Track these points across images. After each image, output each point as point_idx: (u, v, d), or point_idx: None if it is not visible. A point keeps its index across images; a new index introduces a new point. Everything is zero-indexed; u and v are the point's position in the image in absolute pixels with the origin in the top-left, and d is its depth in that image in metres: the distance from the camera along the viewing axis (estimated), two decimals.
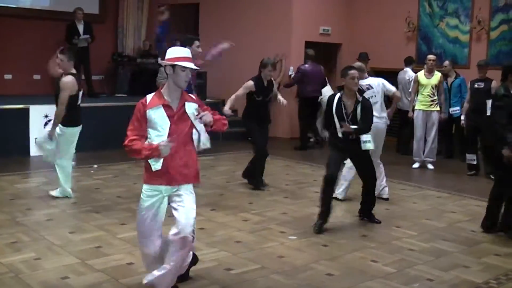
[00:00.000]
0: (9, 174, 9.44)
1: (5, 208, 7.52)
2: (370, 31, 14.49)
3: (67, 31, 13.85)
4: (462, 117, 10.90)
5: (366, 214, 7.42)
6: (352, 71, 6.98)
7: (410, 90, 11.70)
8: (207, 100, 12.81)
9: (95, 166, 10.31)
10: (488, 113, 7.42)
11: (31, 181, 9.37)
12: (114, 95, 14.73)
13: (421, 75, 11.14)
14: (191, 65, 4.69)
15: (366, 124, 6.95)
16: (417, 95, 11.12)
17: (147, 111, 4.66)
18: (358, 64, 8.31)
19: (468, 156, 10.56)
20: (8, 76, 14.32)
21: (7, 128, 10.69)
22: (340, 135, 6.99)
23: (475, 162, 10.50)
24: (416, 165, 11.24)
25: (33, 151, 10.92)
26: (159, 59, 5.32)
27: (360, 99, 7.01)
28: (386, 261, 5.95)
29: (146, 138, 4.70)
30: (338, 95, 7.06)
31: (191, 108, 4.74)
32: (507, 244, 6.65)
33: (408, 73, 12.43)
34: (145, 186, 4.79)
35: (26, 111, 11.03)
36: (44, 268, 5.49)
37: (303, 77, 12.91)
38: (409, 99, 11.66)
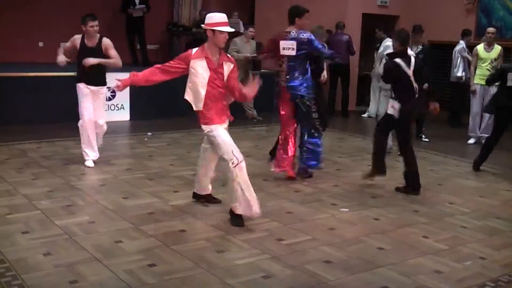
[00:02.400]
0: (63, 139, 9.65)
1: (60, 172, 7.70)
2: (428, 3, 14.21)
3: (122, 1, 13.96)
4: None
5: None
6: None
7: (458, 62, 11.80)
8: (262, 70, 12.76)
9: (149, 134, 10.44)
10: None
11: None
12: None
13: (480, 48, 10.91)
14: (228, 28, 5.74)
15: None
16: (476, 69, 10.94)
17: (191, 61, 5.80)
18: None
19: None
20: (63, 44, 14.42)
21: (59, 95, 10.82)
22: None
23: None
24: (471, 141, 11.06)
25: None
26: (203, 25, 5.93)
27: None
28: (438, 237, 5.89)
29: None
30: None
31: (228, 66, 5.89)
32: None
33: (459, 45, 12.27)
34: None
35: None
36: (97, 231, 5.62)
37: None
38: (459, 72, 11.65)
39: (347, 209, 6.64)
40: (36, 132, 10.00)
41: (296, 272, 4.90)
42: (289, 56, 7.46)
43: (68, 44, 8.02)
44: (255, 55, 12.03)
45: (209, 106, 5.88)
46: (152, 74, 6.00)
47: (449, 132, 11.94)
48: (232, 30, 5.95)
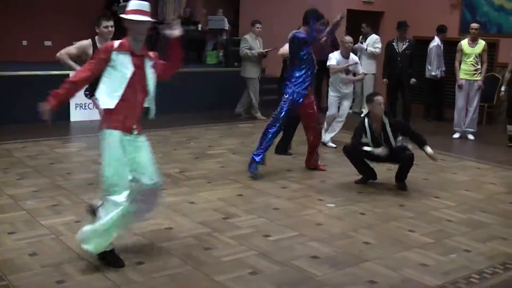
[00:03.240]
0: (49, 139, 9.61)
1: (46, 172, 7.67)
2: None
3: None
4: (503, 88, 10.72)
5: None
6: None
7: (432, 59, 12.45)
8: None
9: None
10: None
11: (71, 146, 9.54)
12: None
13: (464, 43, 10.97)
14: (139, 17, 4.66)
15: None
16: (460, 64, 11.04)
17: (113, 52, 4.68)
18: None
19: (509, 127, 10.44)
20: (48, 43, 14.45)
21: (44, 95, 10.70)
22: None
23: None
24: (456, 135, 11.14)
25: (74, 116, 11.13)
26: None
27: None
28: (424, 231, 5.94)
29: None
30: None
31: (148, 63, 4.82)
32: None
33: (434, 42, 12.63)
34: None
35: (67, 77, 11.13)
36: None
37: None
38: (433, 70, 11.99)
39: (333, 205, 6.68)
40: (21, 132, 9.95)
41: (284, 268, 4.93)
42: None
43: (73, 51, 7.16)
44: (269, 49, 12.02)
45: (122, 108, 4.75)
46: (77, 75, 4.86)
47: (434, 127, 12.02)
48: (144, 19, 4.72)
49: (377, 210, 6.56)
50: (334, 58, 9.53)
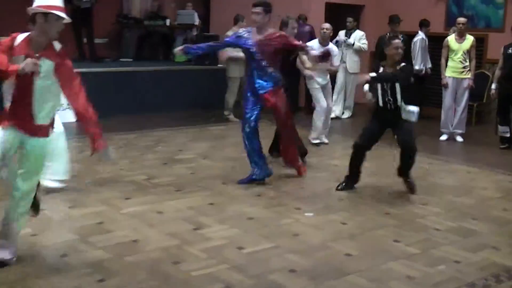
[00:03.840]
0: None
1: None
2: None
3: None
4: (493, 86, 10.76)
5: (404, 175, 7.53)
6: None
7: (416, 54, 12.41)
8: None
9: None
10: None
11: None
12: (119, 60, 14.67)
13: (451, 39, 11.00)
14: (65, 16, 4.68)
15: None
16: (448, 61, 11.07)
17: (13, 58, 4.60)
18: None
19: (501, 128, 10.49)
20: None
21: None
22: (381, 104, 7.22)
23: (508, 135, 10.41)
24: (444, 137, 11.16)
25: None
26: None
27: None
28: (410, 240, 5.91)
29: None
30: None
31: (46, 65, 4.67)
32: None
33: (418, 36, 12.66)
34: None
35: None
36: (41, 245, 5.49)
37: None
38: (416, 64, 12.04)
39: (312, 213, 6.62)
40: None
41: (259, 282, 4.87)
42: None
43: None
44: None
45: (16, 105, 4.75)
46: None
47: (421, 127, 12.00)
48: (69, 20, 4.77)
49: (359, 219, 6.52)
50: (310, 46, 9.51)
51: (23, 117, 4.75)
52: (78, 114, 4.86)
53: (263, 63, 7.47)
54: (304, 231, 6.08)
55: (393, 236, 6.00)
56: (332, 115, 13.06)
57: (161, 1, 15.99)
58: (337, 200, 7.18)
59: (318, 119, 10.05)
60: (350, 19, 13.21)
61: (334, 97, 12.90)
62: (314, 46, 9.51)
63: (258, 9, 7.40)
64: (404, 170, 7.40)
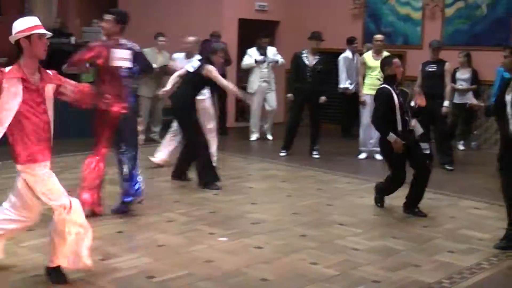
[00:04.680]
0: None
1: None
2: (312, 8, 14.58)
3: None
4: (412, 103, 11.00)
5: (411, 209, 7.72)
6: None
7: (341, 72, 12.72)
8: None
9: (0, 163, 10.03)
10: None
11: None
12: None
13: (368, 56, 11.25)
14: (47, 32, 5.00)
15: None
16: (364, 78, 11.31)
17: (4, 80, 4.84)
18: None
19: (421, 145, 10.71)
20: None
21: None
22: (400, 128, 7.60)
23: (428, 151, 10.65)
24: (362, 155, 11.35)
25: None
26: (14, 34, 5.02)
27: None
28: (328, 262, 5.96)
29: None
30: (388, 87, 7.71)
31: (49, 87, 5.10)
32: (462, 239, 6.77)
33: (344, 54, 12.95)
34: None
35: None
36: None
37: None
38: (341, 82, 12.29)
39: (226, 238, 6.62)
40: None
41: None
42: None
43: None
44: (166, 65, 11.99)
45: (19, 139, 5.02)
46: None
47: (341, 147, 12.20)
48: (50, 34, 5.13)
49: (275, 242, 6.54)
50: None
51: None
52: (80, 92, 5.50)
53: None
54: (218, 257, 6.06)
55: (310, 259, 6.04)
56: (254, 138, 13.18)
57: (65, 18, 15.79)
58: (251, 224, 7.19)
59: None
60: (263, 36, 13.23)
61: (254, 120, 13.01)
62: (178, 58, 9.76)
63: (109, 17, 7.30)
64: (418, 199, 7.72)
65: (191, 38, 10.37)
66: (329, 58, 13.03)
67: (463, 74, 12.00)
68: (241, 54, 14.05)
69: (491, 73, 11.81)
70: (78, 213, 5.14)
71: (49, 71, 5.21)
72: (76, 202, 5.20)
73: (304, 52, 11.55)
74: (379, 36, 11.34)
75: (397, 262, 6.04)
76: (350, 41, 13.00)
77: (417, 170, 7.66)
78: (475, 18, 12.62)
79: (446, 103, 10.51)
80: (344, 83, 12.79)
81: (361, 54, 12.23)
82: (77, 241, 5.16)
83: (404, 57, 13.32)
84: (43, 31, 4.95)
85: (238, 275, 5.60)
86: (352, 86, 12.80)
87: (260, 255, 6.15)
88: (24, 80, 4.89)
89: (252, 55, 12.76)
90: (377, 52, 11.18)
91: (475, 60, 12.17)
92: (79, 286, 5.29)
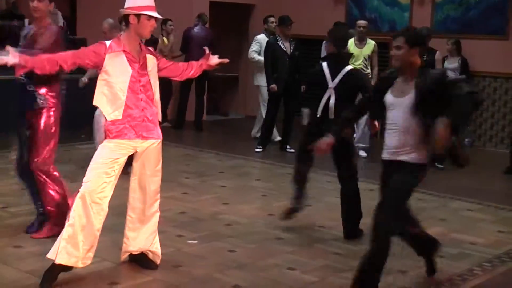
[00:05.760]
0: None
1: None
2: None
3: None
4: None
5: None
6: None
7: None
8: None
9: None
10: None
11: None
12: None
13: (350, 43, 11.30)
14: (157, 14, 5.42)
15: None
16: None
17: (107, 55, 5.34)
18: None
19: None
20: None
21: None
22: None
23: None
24: None
25: None
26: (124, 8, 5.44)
27: None
28: (306, 268, 6.02)
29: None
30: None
31: (151, 60, 5.58)
32: (452, 244, 6.84)
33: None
34: None
35: None
36: None
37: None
38: None
39: (196, 241, 6.65)
40: None
41: None
42: None
43: None
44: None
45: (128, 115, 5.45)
46: (60, 58, 5.37)
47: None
48: (161, 17, 5.63)
49: (250, 246, 6.60)
50: None
51: None
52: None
53: None
54: (187, 262, 6.10)
55: (287, 264, 6.09)
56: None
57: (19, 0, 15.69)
58: (223, 225, 7.23)
59: None
60: None
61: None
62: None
63: None
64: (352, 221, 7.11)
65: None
66: (310, 45, 13.13)
67: (451, 63, 11.99)
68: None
69: (483, 63, 11.97)
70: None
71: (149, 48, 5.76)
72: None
73: (278, 38, 11.59)
74: (362, 22, 11.43)
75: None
76: None
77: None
78: (468, 4, 12.71)
79: None
80: None
81: None
82: None
83: (390, 45, 13.36)
84: (153, 13, 5.38)
85: (209, 280, 5.64)
86: None
87: (232, 260, 6.19)
88: (126, 53, 5.40)
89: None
90: (360, 39, 11.27)
91: (467, 49, 12.24)
92: None
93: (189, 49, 13.05)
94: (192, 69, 5.99)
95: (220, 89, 16.28)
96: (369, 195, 8.72)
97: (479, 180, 10.07)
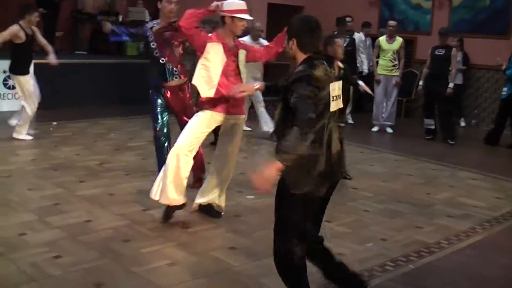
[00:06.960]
0: None
1: None
2: None
3: None
4: (421, 83, 11.03)
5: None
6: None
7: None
8: None
9: (54, 123, 10.21)
10: None
11: None
12: (74, 52, 14.50)
13: (382, 40, 11.25)
14: (248, 16, 5.48)
15: None
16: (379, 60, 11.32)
17: (208, 44, 5.46)
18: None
19: (426, 121, 10.78)
20: None
21: None
22: None
23: (433, 127, 10.71)
24: (375, 128, 11.41)
25: None
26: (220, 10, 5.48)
27: None
28: (341, 221, 6.06)
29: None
30: None
31: (242, 52, 5.62)
32: (459, 206, 6.85)
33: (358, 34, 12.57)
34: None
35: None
36: (1, 224, 5.47)
37: None
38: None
39: (253, 196, 6.67)
40: None
41: (201, 258, 4.95)
42: None
43: (7, 36, 8.55)
44: None
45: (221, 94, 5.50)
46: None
47: (355, 120, 12.19)
48: (251, 18, 5.71)
49: None
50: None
51: None
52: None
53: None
54: (245, 213, 6.19)
55: (324, 217, 6.11)
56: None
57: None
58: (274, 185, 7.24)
59: None
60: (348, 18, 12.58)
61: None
62: (246, 41, 9.52)
63: None
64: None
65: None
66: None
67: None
68: (270, 38, 14.05)
69: (483, 58, 11.91)
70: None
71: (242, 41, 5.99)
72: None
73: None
74: (392, 22, 11.33)
75: (401, 223, 6.14)
76: (366, 25, 12.85)
77: None
78: (478, 8, 12.50)
79: (451, 84, 10.50)
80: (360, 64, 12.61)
81: (374, 38, 12.14)
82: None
83: (414, 42, 13.30)
84: (244, 16, 5.45)
85: (262, 229, 5.49)
86: (366, 67, 12.58)
87: None
88: (224, 45, 5.49)
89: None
90: (390, 36, 11.19)
91: (472, 46, 12.20)
92: (126, 230, 5.42)
93: None
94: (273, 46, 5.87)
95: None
96: (395, 164, 8.76)
97: (482, 155, 9.99)
